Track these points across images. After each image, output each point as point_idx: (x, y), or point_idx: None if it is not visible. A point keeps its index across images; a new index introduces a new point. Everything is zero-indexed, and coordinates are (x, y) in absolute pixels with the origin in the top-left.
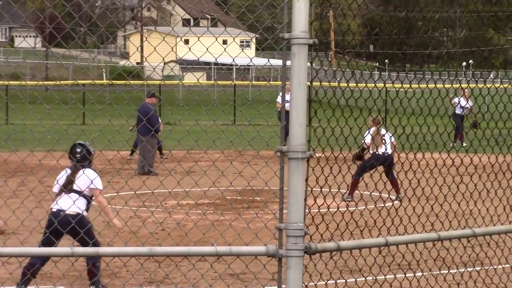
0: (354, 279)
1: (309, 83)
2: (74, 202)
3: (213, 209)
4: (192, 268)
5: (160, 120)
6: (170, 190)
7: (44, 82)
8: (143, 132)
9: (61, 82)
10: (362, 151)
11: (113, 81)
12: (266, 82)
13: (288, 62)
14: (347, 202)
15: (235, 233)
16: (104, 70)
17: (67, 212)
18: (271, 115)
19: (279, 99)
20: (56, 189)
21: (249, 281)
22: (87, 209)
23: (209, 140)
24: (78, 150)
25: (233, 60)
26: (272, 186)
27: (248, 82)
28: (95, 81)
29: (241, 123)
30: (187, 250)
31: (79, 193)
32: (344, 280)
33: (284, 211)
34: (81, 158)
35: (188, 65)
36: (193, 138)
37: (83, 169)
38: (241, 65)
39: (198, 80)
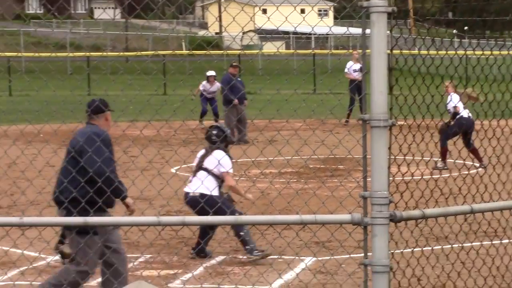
0: (440, 247)
1: (389, 51)
2: (202, 182)
3: (297, 178)
4: (278, 236)
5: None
6: (253, 159)
7: (124, 53)
8: (225, 102)
9: (141, 53)
10: (453, 116)
11: (193, 52)
12: (346, 51)
13: (368, 31)
14: (441, 170)
15: (319, 201)
16: (183, 41)
17: (190, 194)
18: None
19: (346, 69)
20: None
21: (335, 249)
22: (219, 187)
23: (290, 109)
24: (214, 132)
25: (312, 29)
26: (355, 154)
27: (328, 51)
28: (175, 51)
29: (321, 92)
30: (272, 218)
31: (208, 171)
32: (430, 248)
33: (368, 179)
34: (217, 140)
35: (267, 35)
36: (275, 107)
37: (214, 150)
38: (320, 34)
39: (278, 49)
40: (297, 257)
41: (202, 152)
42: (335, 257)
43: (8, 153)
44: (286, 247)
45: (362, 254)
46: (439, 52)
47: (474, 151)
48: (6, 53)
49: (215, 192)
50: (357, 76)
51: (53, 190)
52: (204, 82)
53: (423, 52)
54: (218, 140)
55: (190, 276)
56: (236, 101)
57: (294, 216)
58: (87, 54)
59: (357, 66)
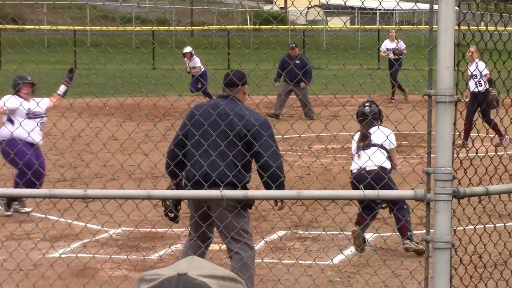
0: (503, 224)
1: (456, 26)
2: (369, 157)
3: None
4: (340, 211)
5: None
6: (317, 134)
7: (190, 27)
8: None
9: (208, 27)
10: (490, 84)
11: (258, 26)
12: (412, 26)
13: (435, 6)
14: (505, 146)
15: None
16: (249, 15)
17: (368, 168)
18: (418, 59)
19: (383, 47)
20: (353, 148)
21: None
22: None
23: (355, 85)
24: (369, 108)
25: (380, 3)
26: (419, 130)
27: (394, 26)
28: (241, 26)
29: (385, 68)
30: (334, 193)
31: (378, 146)
32: (493, 225)
33: (431, 155)
34: (373, 116)
35: (332, 9)
36: (340, 82)
37: (377, 125)
38: (386, 9)
39: (344, 24)
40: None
41: (357, 134)
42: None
43: (73, 126)
44: (347, 223)
45: (424, 231)
46: (507, 28)
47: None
48: (73, 27)
49: (389, 166)
50: (390, 55)
51: (196, 167)
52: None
53: (491, 27)
54: (376, 116)
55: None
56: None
57: (357, 192)
58: (153, 28)
59: (392, 45)
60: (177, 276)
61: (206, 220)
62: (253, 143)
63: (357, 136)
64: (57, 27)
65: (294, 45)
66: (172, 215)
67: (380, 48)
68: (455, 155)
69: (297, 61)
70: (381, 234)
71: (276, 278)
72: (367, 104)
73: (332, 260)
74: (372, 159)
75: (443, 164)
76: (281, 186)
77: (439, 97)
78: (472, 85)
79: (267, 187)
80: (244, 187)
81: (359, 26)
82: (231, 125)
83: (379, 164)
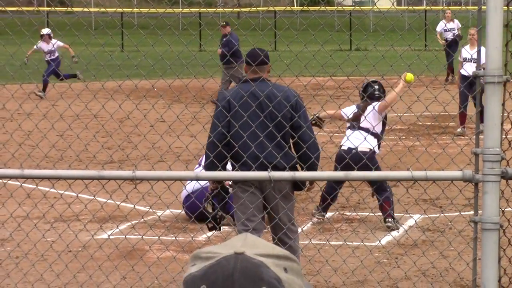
0: None
1: (505, 7)
2: (365, 138)
3: (406, 134)
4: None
5: None
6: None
7: (238, 9)
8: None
9: (257, 8)
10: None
11: (305, 7)
12: (459, 7)
13: None
14: None
15: (430, 158)
16: None
17: (359, 149)
18: (465, 41)
19: (438, 28)
20: (347, 124)
21: (445, 206)
22: (378, 147)
23: (403, 66)
24: (376, 87)
25: None
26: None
27: (441, 7)
28: (288, 7)
29: (432, 49)
30: (383, 174)
31: (368, 130)
32: None
33: (480, 136)
34: (378, 96)
35: None
36: (388, 63)
37: (373, 104)
38: None
39: (392, 4)
40: (406, 214)
41: (353, 108)
42: (444, 214)
43: (121, 108)
44: (395, 204)
45: (472, 212)
46: None
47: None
48: (121, 9)
49: (377, 150)
50: (449, 36)
51: (251, 154)
52: (40, 42)
53: None
54: (380, 95)
55: (299, 231)
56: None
57: (405, 172)
58: (200, 9)
59: (450, 25)
60: (234, 255)
61: (261, 211)
62: (294, 120)
63: (349, 110)
64: (105, 9)
65: (224, 23)
66: (217, 227)
67: (436, 29)
68: (503, 136)
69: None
70: (429, 215)
71: (324, 259)
72: (376, 85)
73: (379, 241)
74: (356, 141)
75: (491, 144)
76: (318, 160)
77: (487, 78)
78: None
79: (306, 161)
80: (294, 168)
81: (406, 7)
82: (277, 108)
83: (369, 147)
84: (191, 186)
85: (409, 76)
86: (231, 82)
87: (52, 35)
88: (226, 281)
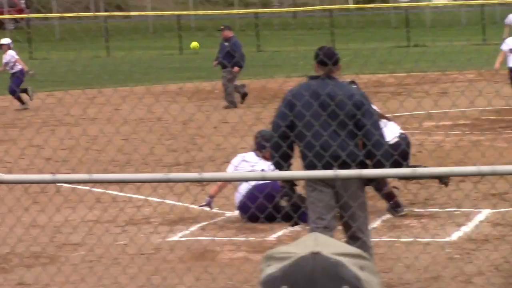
0: None
1: None
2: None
3: (470, 129)
4: (455, 188)
5: None
6: (428, 111)
7: (293, 8)
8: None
9: (313, 7)
10: None
11: (360, 5)
12: None
13: None
14: None
15: (496, 153)
16: None
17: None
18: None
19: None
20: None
21: None
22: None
23: (462, 60)
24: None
25: None
26: None
27: (497, 0)
28: (343, 5)
29: (491, 43)
30: (449, 170)
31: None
32: None
33: None
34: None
35: None
36: (447, 58)
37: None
38: None
39: None
40: (475, 209)
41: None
42: None
43: (185, 110)
44: (463, 199)
45: None
46: None
47: None
48: (177, 12)
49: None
50: None
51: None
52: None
53: None
54: None
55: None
56: (236, 69)
57: (471, 167)
58: (256, 10)
59: None
60: (311, 255)
61: (332, 208)
62: (358, 119)
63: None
64: (162, 12)
65: (223, 27)
66: (298, 222)
67: (505, 21)
68: None
69: (226, 43)
70: (498, 210)
71: (395, 256)
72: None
73: (450, 237)
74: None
75: None
76: (386, 157)
77: None
78: None
79: (372, 159)
80: (362, 164)
81: (462, 1)
82: (342, 106)
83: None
84: (244, 187)
85: (194, 44)
86: (233, 80)
87: (12, 46)
88: (307, 282)
